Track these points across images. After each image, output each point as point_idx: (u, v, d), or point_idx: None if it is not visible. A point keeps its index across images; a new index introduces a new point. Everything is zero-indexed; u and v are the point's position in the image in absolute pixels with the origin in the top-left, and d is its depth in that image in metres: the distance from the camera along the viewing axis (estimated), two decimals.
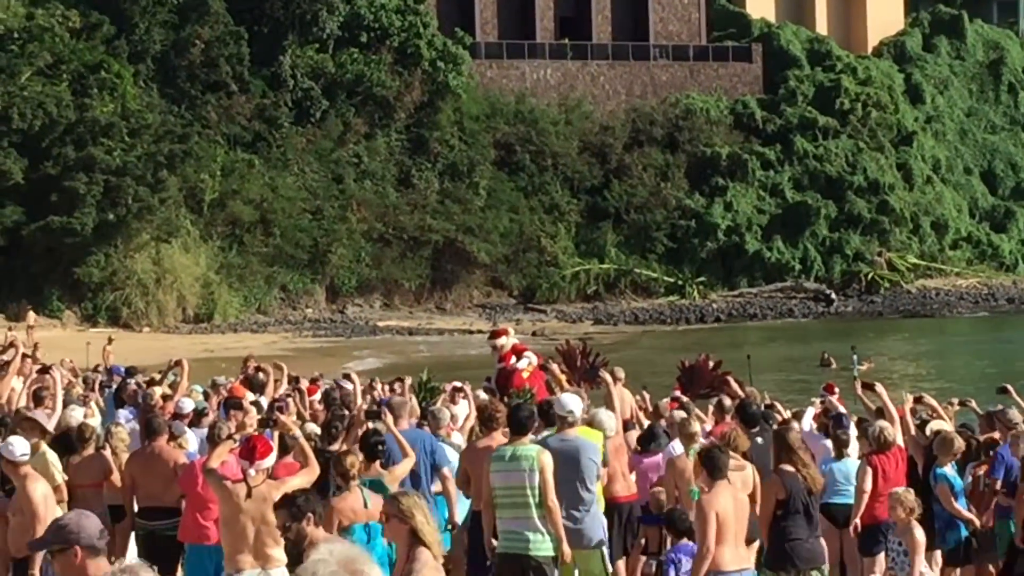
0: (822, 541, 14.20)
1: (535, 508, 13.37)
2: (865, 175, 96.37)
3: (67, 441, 16.49)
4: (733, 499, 12.71)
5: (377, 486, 13.96)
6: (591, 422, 15.18)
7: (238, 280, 79.87)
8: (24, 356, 23.35)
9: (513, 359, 23.93)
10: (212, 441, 14.67)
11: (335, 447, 15.89)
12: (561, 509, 13.56)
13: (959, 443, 16.29)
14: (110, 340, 23.93)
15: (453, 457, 15.96)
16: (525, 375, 23.93)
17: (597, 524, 14.19)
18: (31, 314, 65.96)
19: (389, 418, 15.91)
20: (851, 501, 16.27)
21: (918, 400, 18.93)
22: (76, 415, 18.02)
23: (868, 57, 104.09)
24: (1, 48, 72.84)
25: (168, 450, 15.69)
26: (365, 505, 13.36)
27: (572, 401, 14.53)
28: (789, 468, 13.89)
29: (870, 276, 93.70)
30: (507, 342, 24.38)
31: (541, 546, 13.43)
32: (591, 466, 14.06)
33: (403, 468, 14.53)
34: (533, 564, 13.36)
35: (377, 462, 14.29)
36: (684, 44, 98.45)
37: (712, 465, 12.89)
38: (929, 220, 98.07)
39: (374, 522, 13.06)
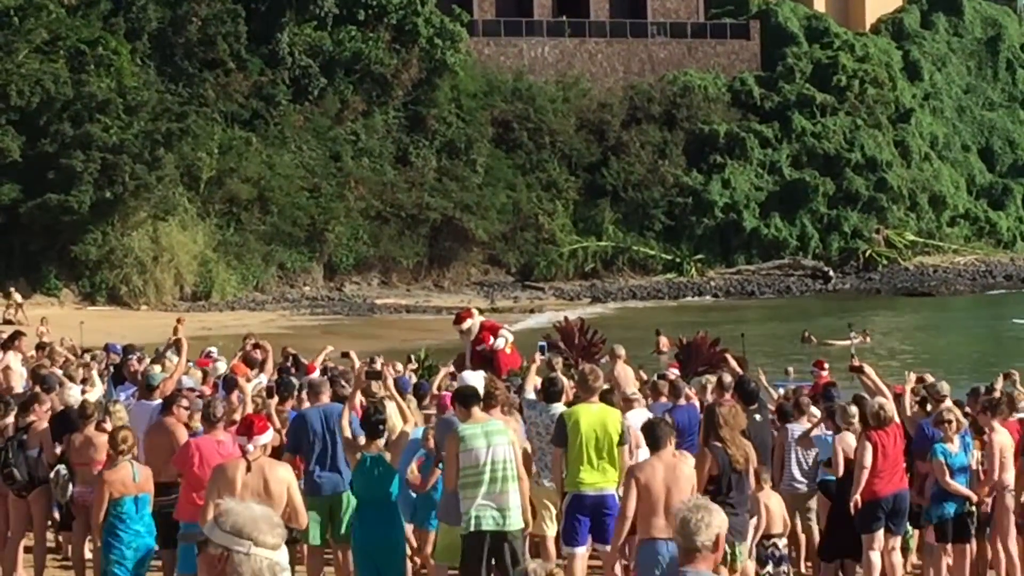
0: (745, 518, 14.24)
1: (513, 481, 13.44)
2: (863, 152, 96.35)
3: (68, 419, 16.51)
4: (669, 470, 12.74)
5: (379, 462, 13.99)
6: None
7: (235, 258, 79.84)
8: (20, 334, 23.42)
9: (492, 339, 23.95)
10: (208, 420, 14.70)
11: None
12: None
13: (951, 416, 16.40)
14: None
15: None
16: (508, 351, 23.96)
17: None
18: (15, 295, 65.55)
19: (390, 381, 15.96)
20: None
21: (920, 380, 19.02)
22: (74, 393, 18.03)
23: (866, 34, 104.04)
24: None
25: (172, 426, 15.71)
26: (135, 479, 14.35)
27: (472, 378, 14.72)
28: (718, 444, 13.95)
29: (868, 253, 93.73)
30: (474, 324, 24.38)
31: (519, 518, 13.52)
32: None
33: (400, 441, 14.51)
34: (511, 537, 13.41)
35: (379, 439, 14.29)
36: (682, 21, 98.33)
37: (651, 436, 13.03)
38: (927, 197, 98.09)
39: (144, 494, 14.32)
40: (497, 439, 13.45)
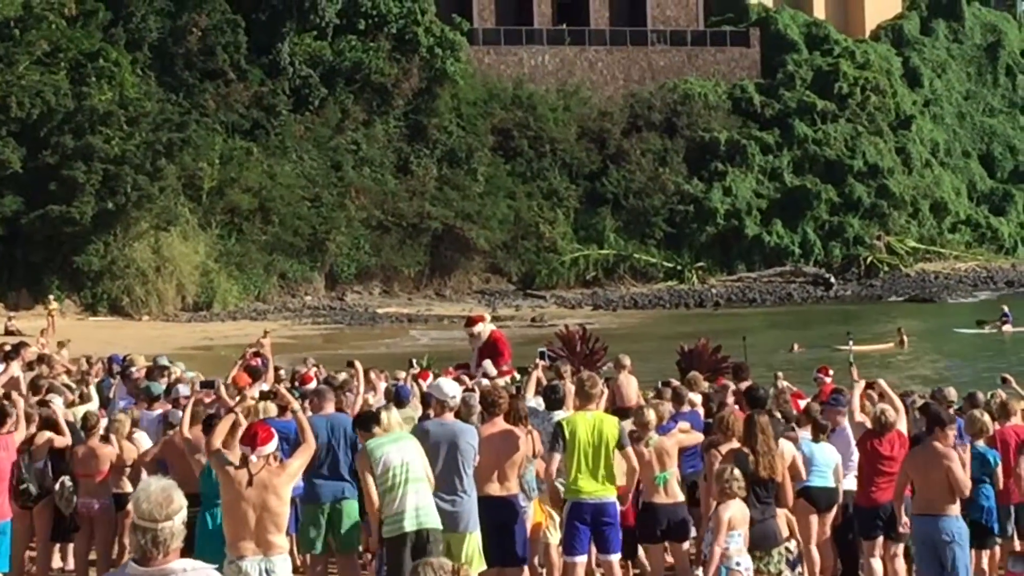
0: (772, 525, 14.16)
1: (423, 481, 13.56)
2: (864, 159, 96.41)
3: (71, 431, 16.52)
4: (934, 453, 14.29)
5: None
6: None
7: (237, 268, 79.86)
8: (24, 345, 23.43)
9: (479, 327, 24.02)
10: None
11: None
12: (440, 492, 13.77)
13: (981, 422, 16.40)
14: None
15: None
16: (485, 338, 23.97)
17: (473, 508, 14.16)
18: (52, 303, 65.36)
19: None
20: (830, 484, 16.21)
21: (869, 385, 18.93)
22: (57, 405, 18.08)
23: (866, 41, 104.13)
24: None
25: (197, 439, 15.84)
26: None
27: (450, 386, 14.75)
28: (745, 451, 13.95)
29: (869, 260, 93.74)
30: (484, 328, 24.29)
31: (435, 516, 13.61)
32: (469, 450, 14.12)
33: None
34: (431, 536, 13.52)
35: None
36: (682, 29, 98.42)
37: (935, 421, 14.65)
38: (928, 203, 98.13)
39: None
40: (403, 444, 13.58)
